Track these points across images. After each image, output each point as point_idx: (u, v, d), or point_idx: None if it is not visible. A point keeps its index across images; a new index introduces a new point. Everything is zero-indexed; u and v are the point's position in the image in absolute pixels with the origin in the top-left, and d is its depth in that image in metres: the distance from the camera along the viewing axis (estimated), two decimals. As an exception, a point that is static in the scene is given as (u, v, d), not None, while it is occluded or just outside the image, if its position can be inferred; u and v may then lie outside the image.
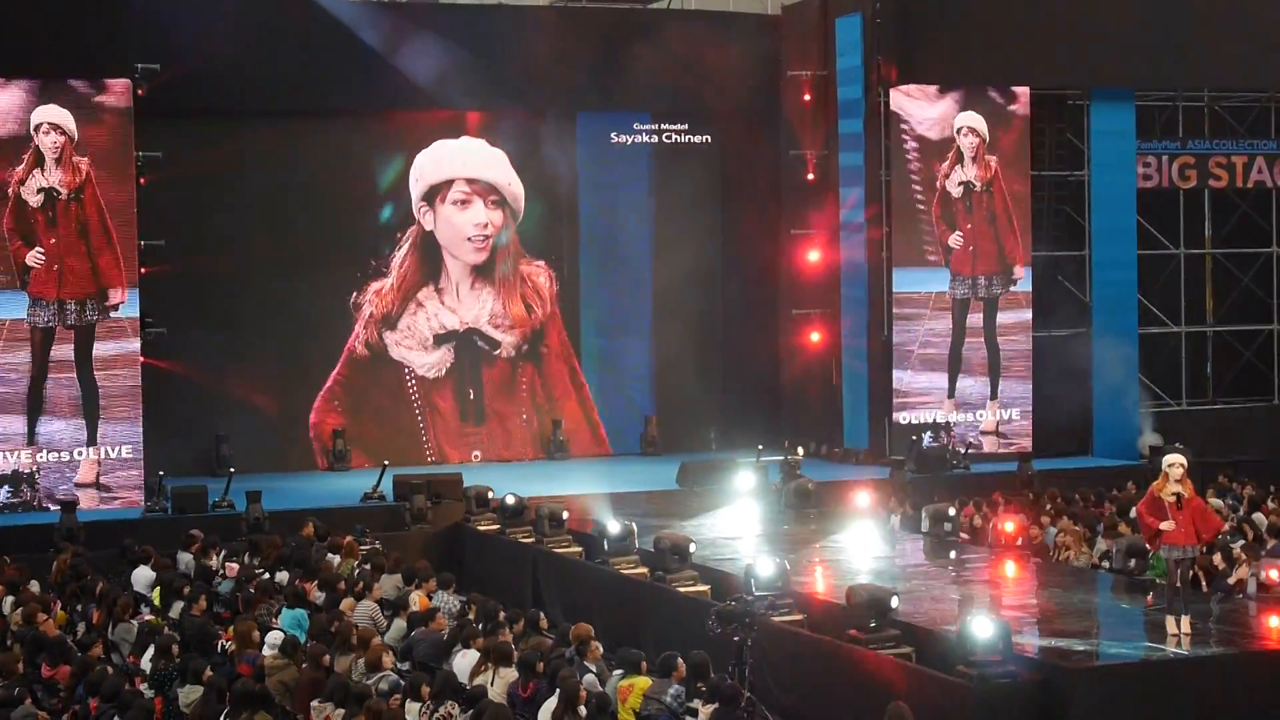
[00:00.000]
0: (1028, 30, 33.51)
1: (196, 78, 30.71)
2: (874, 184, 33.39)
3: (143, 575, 21.64)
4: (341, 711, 14.72)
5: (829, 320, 34.67)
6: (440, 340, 34.50)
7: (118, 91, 29.31)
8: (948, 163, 33.17)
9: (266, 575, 21.30)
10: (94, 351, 29.11)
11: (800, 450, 30.40)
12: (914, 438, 32.49)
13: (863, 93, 33.62)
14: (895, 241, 33.11)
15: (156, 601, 20.42)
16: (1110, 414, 33.86)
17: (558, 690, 14.79)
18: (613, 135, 35.57)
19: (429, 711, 14.78)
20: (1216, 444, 33.20)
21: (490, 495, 27.10)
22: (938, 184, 33.13)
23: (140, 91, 29.57)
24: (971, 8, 33.30)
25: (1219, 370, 36.08)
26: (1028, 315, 33.78)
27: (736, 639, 16.56)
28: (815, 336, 34.85)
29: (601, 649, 16.88)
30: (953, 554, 23.43)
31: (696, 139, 36.04)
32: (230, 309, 32.74)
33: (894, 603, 17.70)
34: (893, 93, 32.98)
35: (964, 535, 25.05)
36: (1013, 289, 33.62)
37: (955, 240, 33.25)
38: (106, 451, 29.22)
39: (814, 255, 34.71)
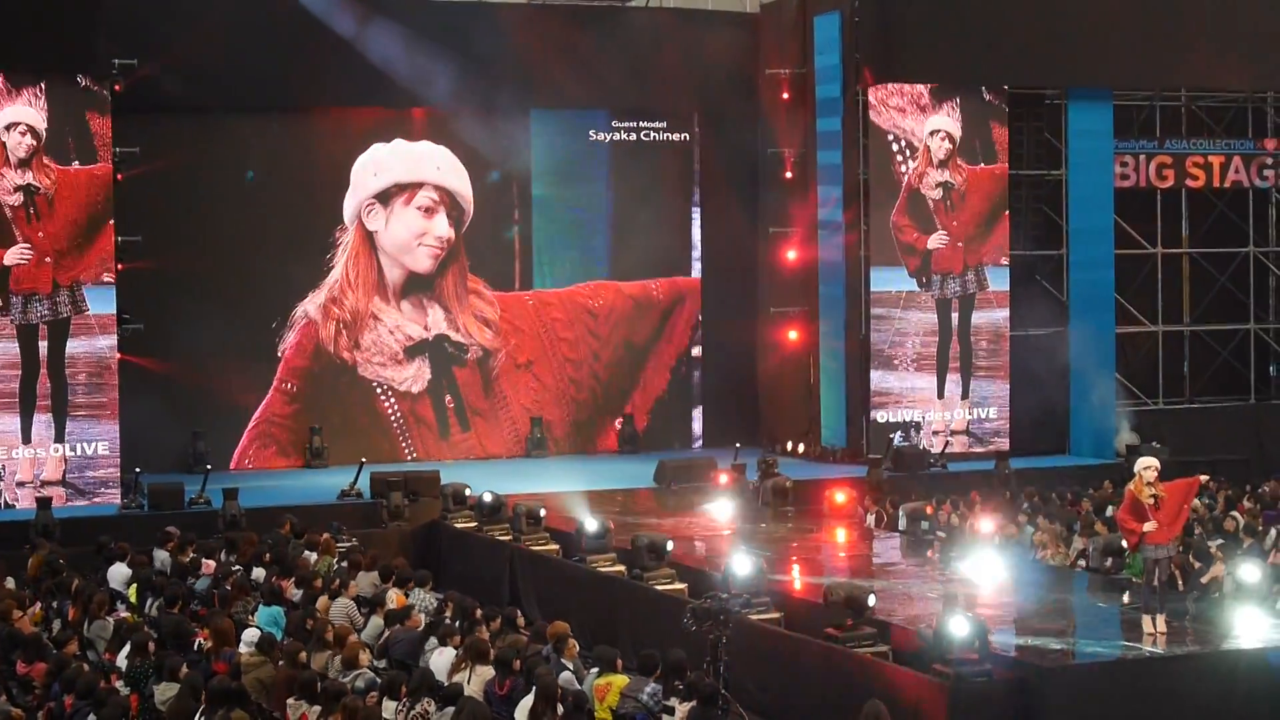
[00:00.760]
0: (1006, 30, 33.50)
1: (174, 72, 30.65)
2: (852, 183, 33.41)
3: (119, 572, 21.59)
4: (318, 709, 14.69)
5: (807, 319, 34.69)
6: (412, 352, 34.26)
7: (95, 86, 29.15)
8: (919, 164, 33.15)
9: (243, 572, 21.25)
10: (68, 348, 28.93)
11: (778, 448, 30.38)
12: (890, 436, 32.50)
13: (841, 91, 33.64)
14: (873, 240, 33.11)
15: (132, 598, 20.39)
16: (1087, 413, 33.89)
17: (534, 688, 14.77)
18: (590, 133, 35.51)
19: (406, 709, 14.76)
20: (1193, 443, 33.23)
21: (468, 493, 27.10)
22: (910, 185, 33.10)
23: (117, 87, 29.47)
24: (950, 7, 33.28)
25: (1195, 369, 36.16)
26: (1005, 314, 33.78)
27: (712, 636, 16.57)
28: (793, 335, 34.86)
29: (578, 646, 16.87)
30: (930, 553, 23.47)
31: (675, 136, 36.01)
32: (207, 305, 32.46)
33: (871, 601, 17.74)
34: (871, 92, 33.00)
35: (941, 534, 25.07)
36: (991, 288, 33.60)
37: (936, 241, 33.23)
38: (75, 449, 28.99)
39: (792, 253, 34.73)
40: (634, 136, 35.74)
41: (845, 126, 33.53)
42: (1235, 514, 24.91)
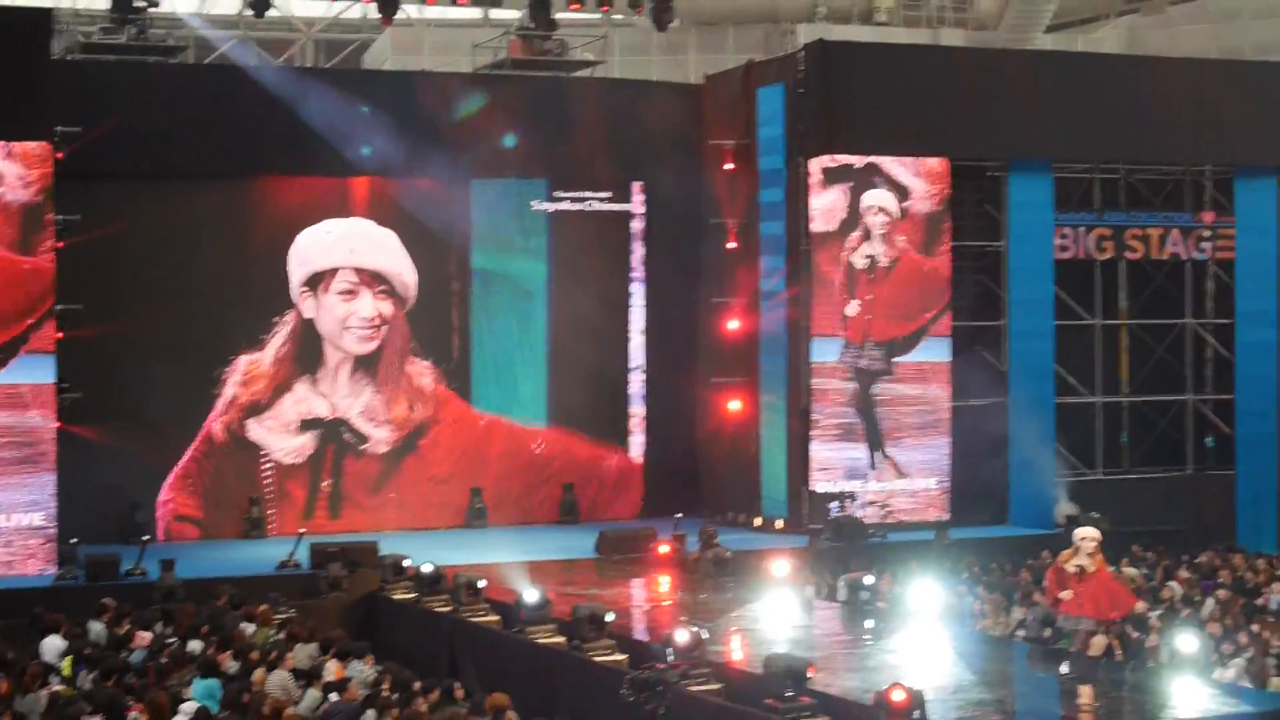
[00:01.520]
0: (947, 102, 33.82)
1: (118, 140, 30.58)
2: (794, 254, 33.53)
3: (53, 644, 21.32)
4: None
5: (748, 389, 34.73)
6: (306, 426, 33.79)
7: (38, 154, 29.04)
8: (857, 237, 33.31)
9: (179, 644, 21.08)
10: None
11: (718, 519, 30.35)
12: (828, 506, 32.44)
13: (784, 162, 33.82)
14: (815, 311, 33.21)
15: (66, 671, 20.15)
16: (1027, 483, 33.98)
17: (471, 761, 14.69)
18: (533, 203, 35.48)
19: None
20: (1131, 513, 33.38)
21: (406, 563, 26.95)
22: (844, 258, 33.27)
23: (59, 155, 29.37)
24: (892, 80, 33.58)
25: (1134, 440, 36.29)
26: (946, 386, 33.88)
27: (649, 707, 16.51)
28: (735, 405, 34.89)
29: (518, 719, 16.78)
30: (869, 623, 23.46)
31: (618, 206, 36.03)
32: (147, 373, 32.19)
33: (810, 672, 17.69)
34: (814, 163, 33.17)
35: (881, 604, 25.07)
36: (931, 358, 33.71)
37: (852, 309, 33.35)
38: (9, 519, 28.64)
39: (734, 323, 34.81)
40: (576, 206, 35.74)
41: (788, 197, 33.69)
42: (1173, 584, 25.02)
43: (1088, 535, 17.48)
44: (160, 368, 32.29)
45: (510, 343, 35.48)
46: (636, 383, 36.15)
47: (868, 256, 33.38)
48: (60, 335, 29.33)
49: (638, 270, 36.25)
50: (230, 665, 19.92)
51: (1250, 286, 36.15)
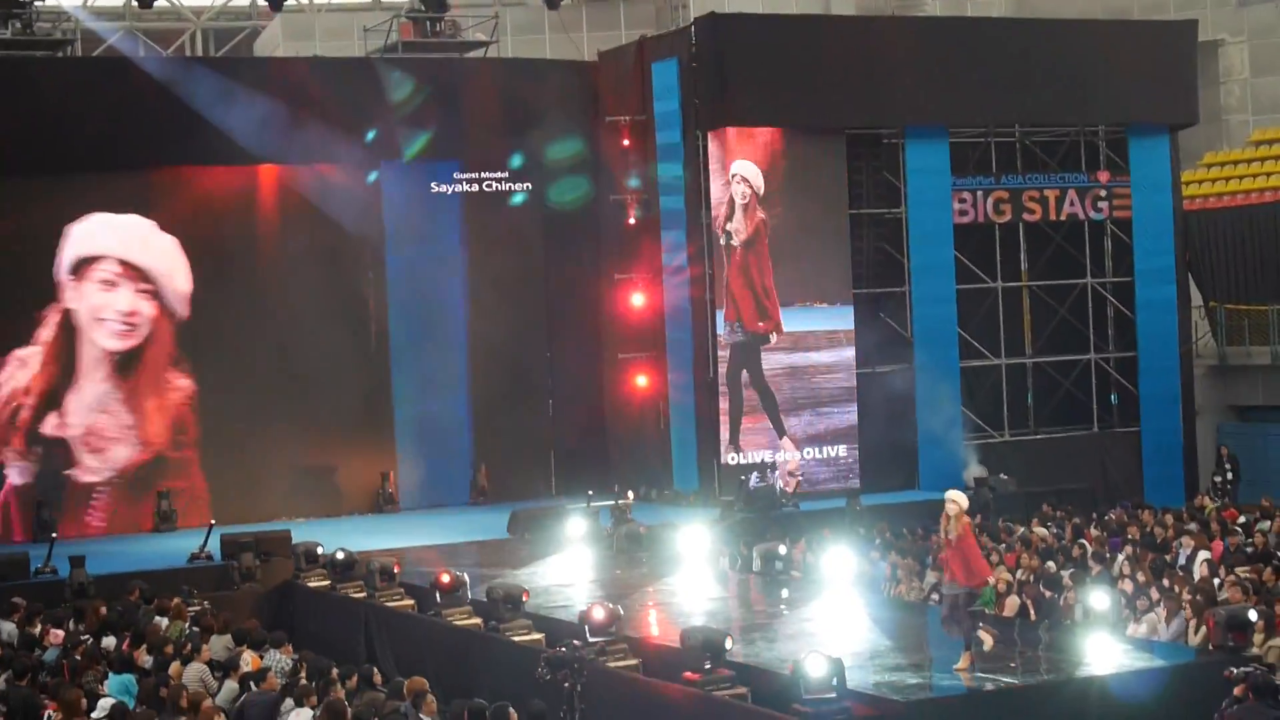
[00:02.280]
0: (841, 71, 33.95)
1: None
2: (694, 227, 33.58)
3: (-36, 646, 21.16)
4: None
5: (655, 363, 34.81)
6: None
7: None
8: (724, 210, 33.38)
9: (92, 641, 20.89)
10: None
11: (630, 494, 30.37)
12: (742, 478, 32.54)
13: (681, 136, 33.83)
14: (717, 283, 33.27)
15: (-22, 673, 19.95)
16: (935, 447, 34.21)
17: (393, 746, 14.64)
18: (431, 185, 35.31)
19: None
20: (1039, 473, 33.75)
21: (319, 551, 26.85)
22: (719, 230, 33.34)
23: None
24: (785, 50, 33.64)
25: (1039, 400, 36.57)
26: (850, 352, 34.04)
27: (566, 685, 16.49)
28: (642, 380, 34.96)
29: (436, 702, 16.73)
30: (785, 592, 23.55)
31: (516, 186, 35.91)
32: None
33: (728, 644, 17.74)
34: (711, 136, 33.22)
35: (795, 573, 25.17)
36: (835, 326, 33.85)
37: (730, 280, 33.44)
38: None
39: (638, 299, 34.85)
40: (477, 188, 35.57)
41: (686, 171, 33.73)
42: (1083, 541, 25.22)
43: (950, 498, 17.43)
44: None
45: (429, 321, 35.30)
46: (542, 360, 36.10)
47: (732, 229, 33.35)
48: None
49: (538, 248, 36.15)
50: (145, 660, 19.77)
51: (1148, 245, 36.49)
